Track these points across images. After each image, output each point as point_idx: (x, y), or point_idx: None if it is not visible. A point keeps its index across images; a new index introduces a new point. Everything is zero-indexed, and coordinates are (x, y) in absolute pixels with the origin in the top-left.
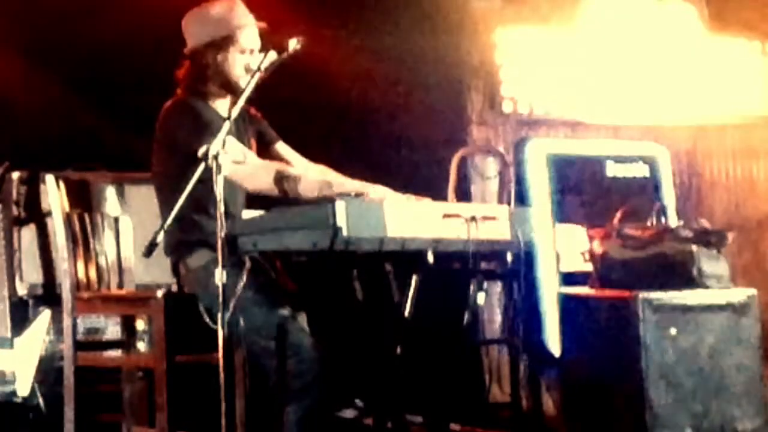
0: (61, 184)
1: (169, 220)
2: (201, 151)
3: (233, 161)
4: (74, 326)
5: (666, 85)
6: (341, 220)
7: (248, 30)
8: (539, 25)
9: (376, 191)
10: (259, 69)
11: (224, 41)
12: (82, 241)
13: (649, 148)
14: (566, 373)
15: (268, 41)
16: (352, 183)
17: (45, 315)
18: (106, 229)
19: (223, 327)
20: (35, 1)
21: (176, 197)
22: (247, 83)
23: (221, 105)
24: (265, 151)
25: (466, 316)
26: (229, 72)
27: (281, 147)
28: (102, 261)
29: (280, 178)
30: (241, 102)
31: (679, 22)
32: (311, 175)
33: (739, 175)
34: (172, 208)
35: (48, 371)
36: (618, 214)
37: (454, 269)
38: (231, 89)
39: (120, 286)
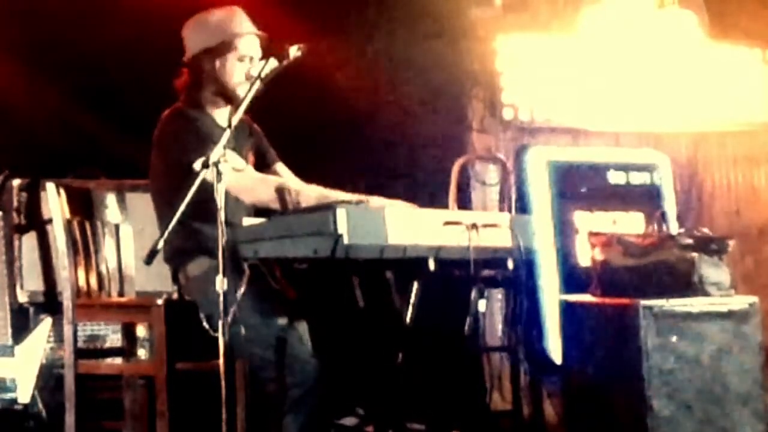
0: (62, 191)
1: (170, 228)
2: (199, 162)
3: (233, 168)
4: (75, 334)
5: (667, 92)
6: (342, 228)
7: (248, 38)
8: (540, 32)
9: (374, 201)
10: (259, 77)
11: (222, 47)
12: (82, 248)
13: (650, 155)
14: (567, 381)
15: (268, 48)
16: (350, 197)
17: (46, 322)
18: (106, 236)
19: (223, 334)
20: (36, 9)
21: (173, 206)
22: (246, 91)
23: (219, 114)
24: (264, 170)
25: (467, 324)
26: (227, 79)
27: (280, 168)
28: (102, 268)
29: (281, 191)
30: (241, 111)
31: (680, 29)
32: (308, 190)
33: (740, 182)
34: (170, 217)
35: (49, 379)
36: None
37: (455, 276)
38: (228, 97)
39: (120, 293)
